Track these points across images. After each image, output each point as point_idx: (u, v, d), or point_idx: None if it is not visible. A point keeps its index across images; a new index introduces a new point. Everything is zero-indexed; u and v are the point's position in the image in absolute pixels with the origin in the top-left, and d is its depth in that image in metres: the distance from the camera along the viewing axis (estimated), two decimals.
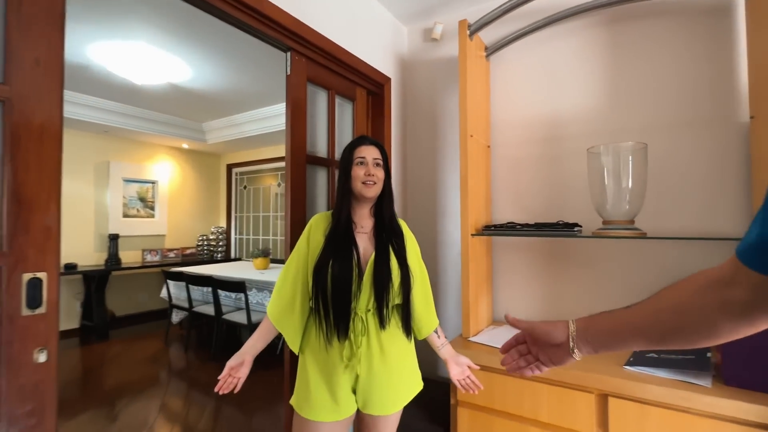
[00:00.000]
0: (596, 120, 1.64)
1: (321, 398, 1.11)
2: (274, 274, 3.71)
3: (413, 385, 1.22)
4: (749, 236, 0.46)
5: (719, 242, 1.37)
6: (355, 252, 1.13)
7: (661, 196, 1.50)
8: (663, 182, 1.50)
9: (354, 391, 1.14)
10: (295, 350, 1.18)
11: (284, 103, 3.37)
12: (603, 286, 1.61)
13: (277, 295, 1.19)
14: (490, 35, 1.82)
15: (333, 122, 1.68)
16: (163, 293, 3.99)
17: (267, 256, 4.20)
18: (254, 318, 3.21)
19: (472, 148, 1.60)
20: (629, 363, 1.24)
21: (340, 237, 1.15)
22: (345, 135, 1.80)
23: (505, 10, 1.58)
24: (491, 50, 1.81)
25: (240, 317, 3.30)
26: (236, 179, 5.68)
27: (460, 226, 1.59)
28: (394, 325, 1.18)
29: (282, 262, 4.73)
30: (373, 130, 1.93)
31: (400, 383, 1.17)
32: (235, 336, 4.13)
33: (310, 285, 1.15)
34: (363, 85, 1.85)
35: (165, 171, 5.09)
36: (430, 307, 1.29)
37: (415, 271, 1.23)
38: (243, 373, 1.12)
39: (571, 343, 0.62)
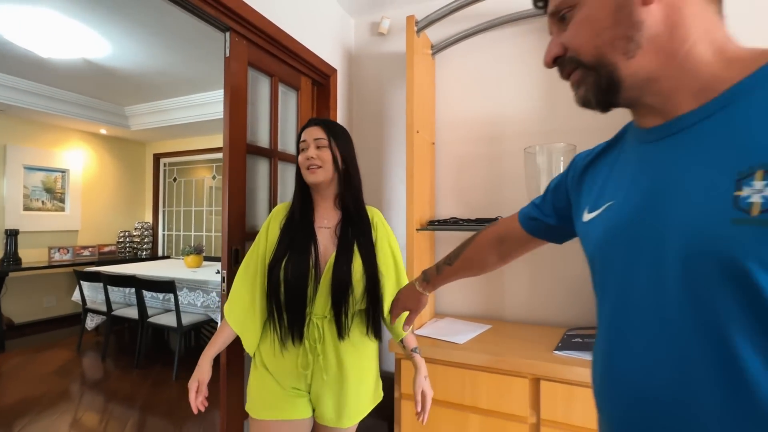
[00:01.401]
0: (533, 121, 1.74)
1: (278, 398, 1.04)
2: (207, 272, 3.47)
3: (373, 398, 1.14)
4: (526, 207, 0.80)
5: None
6: (313, 249, 1.03)
7: None
8: None
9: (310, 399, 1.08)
10: (251, 352, 1.09)
11: (221, 90, 3.16)
12: (539, 278, 1.72)
13: (236, 295, 1.09)
14: (436, 34, 1.85)
15: (276, 111, 1.60)
16: (76, 296, 3.56)
17: (200, 253, 3.92)
18: (185, 320, 2.98)
19: (418, 144, 1.62)
20: (558, 348, 1.34)
21: (297, 231, 1.05)
22: (289, 125, 1.73)
23: (451, 10, 1.61)
24: (437, 48, 1.85)
25: (169, 319, 3.04)
26: (165, 170, 5.23)
27: (406, 221, 1.60)
28: (358, 333, 1.09)
29: (217, 259, 4.45)
30: None
31: (358, 397, 1.08)
32: (162, 340, 3.80)
33: (264, 283, 1.07)
34: (308, 75, 1.79)
35: (78, 159, 4.53)
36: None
37: (388, 269, 1.13)
38: (206, 381, 1.05)
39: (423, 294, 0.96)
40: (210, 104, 3.92)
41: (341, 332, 1.04)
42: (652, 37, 0.46)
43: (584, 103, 0.53)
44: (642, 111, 0.51)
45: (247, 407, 1.08)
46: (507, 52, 1.80)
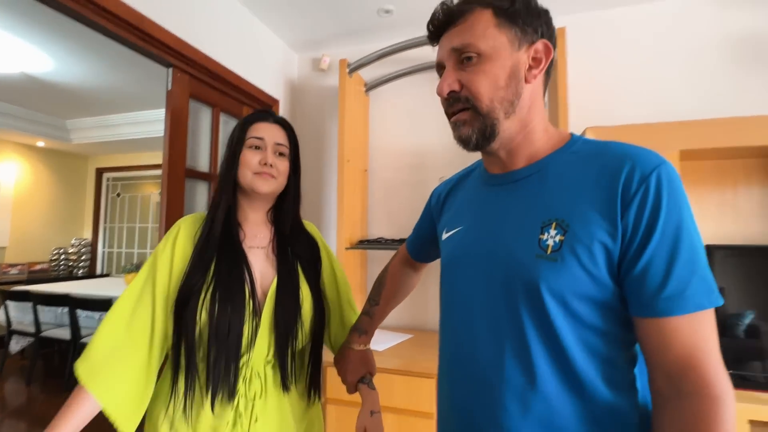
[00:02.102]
0: (449, 153, 2.00)
1: None
2: None
3: None
4: (410, 237, 0.93)
5: None
6: (247, 276, 0.78)
7: None
8: None
9: None
10: (125, 427, 0.72)
11: (144, 111, 3.20)
12: None
13: (101, 345, 0.73)
14: (369, 73, 2.08)
15: (216, 138, 1.74)
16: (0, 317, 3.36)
17: None
18: None
19: (348, 172, 1.81)
20: None
21: (220, 250, 0.78)
22: None
23: (378, 56, 1.85)
24: (370, 86, 2.07)
25: None
26: (108, 185, 5.07)
27: (336, 240, 1.77)
28: (302, 382, 0.87)
29: None
30: None
31: None
32: None
33: (168, 327, 0.76)
34: (250, 105, 1.94)
35: (10, 171, 4.32)
36: (338, 318, 0.98)
37: (332, 295, 0.95)
38: None
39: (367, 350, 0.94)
40: (159, 121, 3.93)
41: (286, 380, 0.79)
42: (521, 107, 0.60)
43: (464, 141, 0.61)
44: (493, 159, 0.66)
45: None
46: (429, 93, 2.06)
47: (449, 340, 0.67)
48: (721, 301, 0.49)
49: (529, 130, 0.61)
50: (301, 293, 0.83)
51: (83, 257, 4.81)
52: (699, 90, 1.69)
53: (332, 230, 2.15)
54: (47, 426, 0.68)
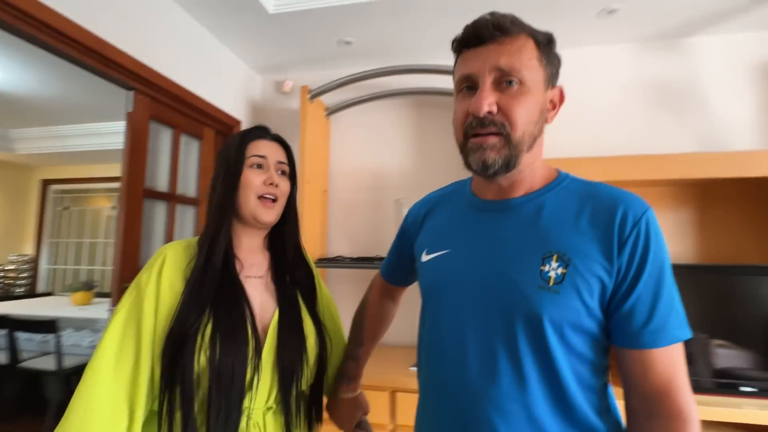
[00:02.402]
0: (406, 176, 2.12)
1: None
2: (98, 310, 3.27)
3: None
4: (384, 262, 0.92)
5: None
6: (248, 312, 0.69)
7: None
8: None
9: None
10: None
11: (101, 123, 3.13)
12: (409, 309, 2.04)
13: (83, 410, 0.60)
14: (330, 98, 2.18)
15: (176, 159, 1.76)
16: None
17: (90, 289, 3.66)
18: (68, 362, 2.77)
19: (308, 193, 1.88)
20: (414, 365, 1.64)
21: (218, 284, 0.69)
22: (190, 170, 1.89)
23: (338, 85, 1.96)
24: (331, 111, 2.17)
25: (47, 363, 2.80)
26: (54, 198, 4.80)
27: None
28: (303, 418, 0.77)
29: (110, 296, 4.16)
30: None
31: None
32: (36, 386, 3.42)
33: (156, 375, 0.64)
34: (212, 126, 1.98)
35: None
36: (337, 351, 0.92)
37: (330, 325, 0.89)
38: None
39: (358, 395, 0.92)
40: (114, 134, 3.81)
41: (290, 425, 0.72)
42: (537, 144, 0.62)
43: (487, 166, 0.58)
44: (491, 186, 0.65)
45: None
46: (388, 119, 2.19)
47: (436, 365, 0.66)
48: (690, 334, 0.55)
49: (534, 166, 0.64)
50: (304, 326, 0.75)
51: (23, 274, 4.49)
52: (622, 128, 1.92)
53: None
54: None
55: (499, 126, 0.57)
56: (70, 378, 3.29)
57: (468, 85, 0.60)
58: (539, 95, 0.59)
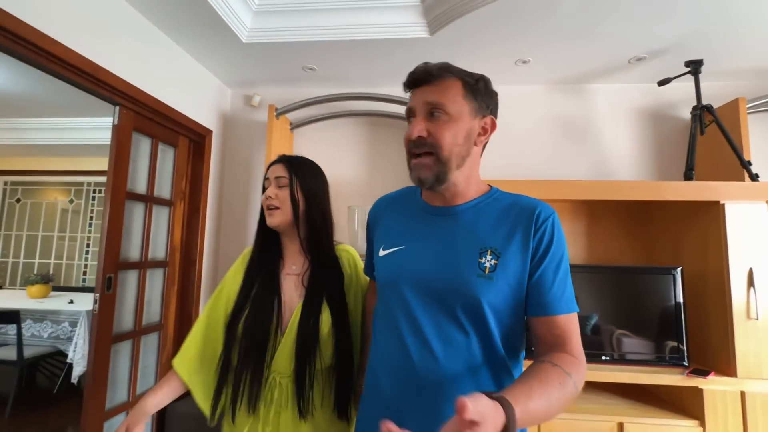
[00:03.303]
0: (359, 185, 2.45)
1: None
2: (57, 302, 3.33)
3: None
4: (365, 263, 0.99)
5: None
6: (276, 300, 0.92)
7: None
8: None
9: None
10: (206, 413, 0.92)
11: (92, 118, 3.25)
12: None
13: (188, 342, 0.96)
14: (295, 114, 2.46)
15: (154, 165, 1.98)
16: None
17: (47, 282, 3.68)
18: (27, 353, 2.85)
19: None
20: None
21: (258, 276, 0.95)
22: (165, 174, 2.11)
23: (301, 105, 2.26)
24: (295, 125, 2.46)
25: (6, 353, 2.86)
26: (5, 189, 4.68)
27: None
28: (323, 413, 0.92)
29: (68, 289, 4.16)
30: (193, 172, 2.28)
31: None
32: None
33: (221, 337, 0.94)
34: (186, 135, 2.21)
35: None
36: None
37: (357, 320, 0.99)
38: (141, 430, 0.86)
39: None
40: (75, 129, 3.84)
41: (303, 404, 0.87)
42: (469, 161, 0.76)
43: (422, 181, 0.74)
44: (437, 196, 0.79)
45: None
46: (345, 135, 2.51)
47: (393, 344, 0.77)
48: (578, 309, 0.73)
49: (470, 181, 0.78)
50: (321, 319, 0.90)
51: None
52: (536, 155, 2.36)
53: None
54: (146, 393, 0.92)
55: (429, 147, 0.72)
56: (32, 366, 3.33)
57: (411, 116, 0.77)
58: (465, 123, 0.73)
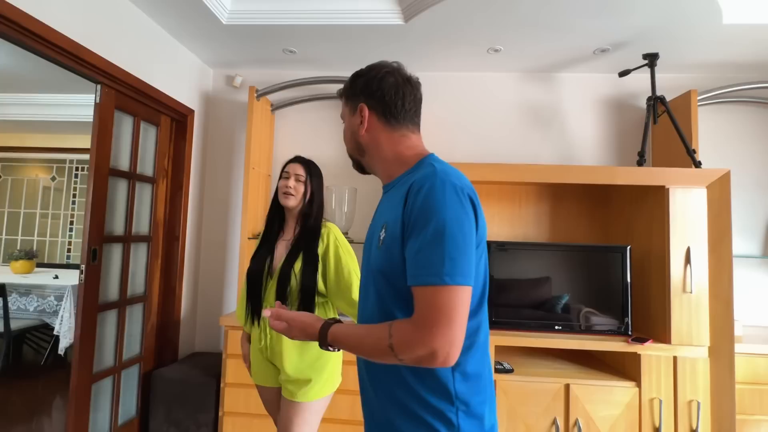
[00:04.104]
0: (338, 166, 2.54)
1: (257, 366, 1.44)
2: (42, 277, 3.39)
3: (323, 380, 1.36)
4: None
5: None
6: (270, 256, 1.40)
7: (364, 218, 2.49)
8: (364, 209, 2.50)
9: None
10: (247, 330, 1.51)
11: (72, 95, 3.25)
12: None
13: (239, 299, 1.53)
14: (276, 96, 2.53)
15: (137, 143, 2.05)
16: None
17: (31, 258, 3.73)
18: (14, 325, 2.93)
19: (253, 177, 2.26)
20: None
21: (264, 239, 1.46)
22: (148, 152, 2.17)
23: (282, 87, 2.33)
24: (275, 107, 2.53)
25: None
26: None
27: (240, 231, 2.21)
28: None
29: (52, 266, 4.20)
30: (175, 151, 2.35)
31: (298, 370, 1.33)
32: None
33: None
34: (168, 114, 2.27)
35: None
36: (340, 295, 1.38)
37: (330, 269, 1.38)
38: (247, 355, 1.52)
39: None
40: (54, 105, 3.82)
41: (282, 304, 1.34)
42: (368, 148, 0.86)
43: (355, 169, 0.96)
44: (380, 178, 0.91)
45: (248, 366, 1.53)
46: (325, 117, 2.59)
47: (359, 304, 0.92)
48: (451, 282, 0.65)
49: (384, 160, 0.86)
50: (295, 265, 1.35)
51: None
52: (506, 139, 2.48)
53: (237, 223, 2.56)
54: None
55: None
56: (18, 339, 3.40)
57: None
58: (347, 122, 0.90)
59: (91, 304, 1.78)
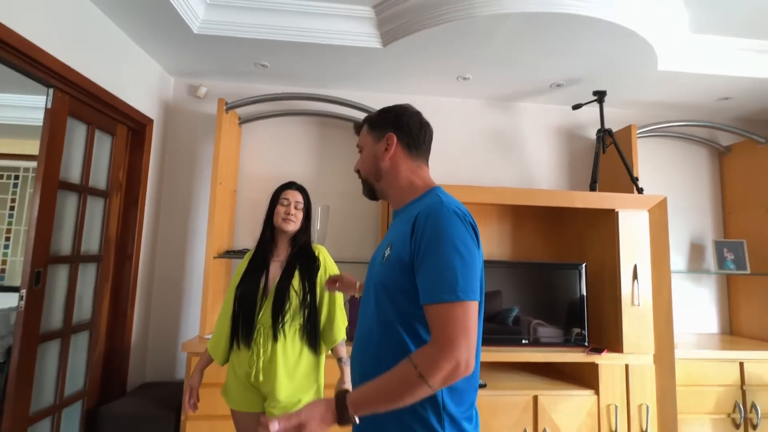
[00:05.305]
0: (307, 183, 2.47)
1: (235, 391, 1.40)
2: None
3: (311, 398, 1.38)
4: None
5: (364, 264, 2.42)
6: (264, 275, 1.41)
7: (338, 236, 2.47)
8: (338, 228, 2.48)
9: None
10: (220, 360, 1.45)
11: (10, 95, 2.90)
12: None
13: (216, 323, 1.48)
14: (244, 109, 2.44)
15: (90, 154, 1.86)
16: None
17: None
18: None
19: (220, 193, 2.15)
20: None
21: (256, 262, 1.44)
22: (101, 164, 1.99)
23: (254, 101, 2.26)
24: (243, 120, 2.44)
25: None
26: None
27: (205, 250, 2.08)
28: (293, 341, 1.37)
29: None
30: (131, 162, 2.17)
31: (297, 395, 1.35)
32: None
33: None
34: (125, 123, 2.10)
35: None
36: (332, 325, 1.47)
37: (325, 294, 1.45)
38: (196, 388, 1.44)
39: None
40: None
41: (275, 334, 1.34)
42: (387, 174, 0.94)
43: (365, 195, 1.00)
44: (391, 203, 0.99)
45: (221, 391, 1.46)
46: (296, 132, 2.55)
47: (359, 319, 0.97)
48: (460, 299, 0.72)
49: (402, 189, 0.94)
50: (292, 287, 1.39)
51: None
52: (471, 162, 2.61)
53: (201, 241, 2.41)
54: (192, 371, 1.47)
55: (359, 173, 1.01)
56: None
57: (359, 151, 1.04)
58: (369, 149, 0.97)
59: (31, 334, 1.57)
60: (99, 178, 1.98)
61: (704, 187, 2.76)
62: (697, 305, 2.66)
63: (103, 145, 2.00)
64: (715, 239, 2.65)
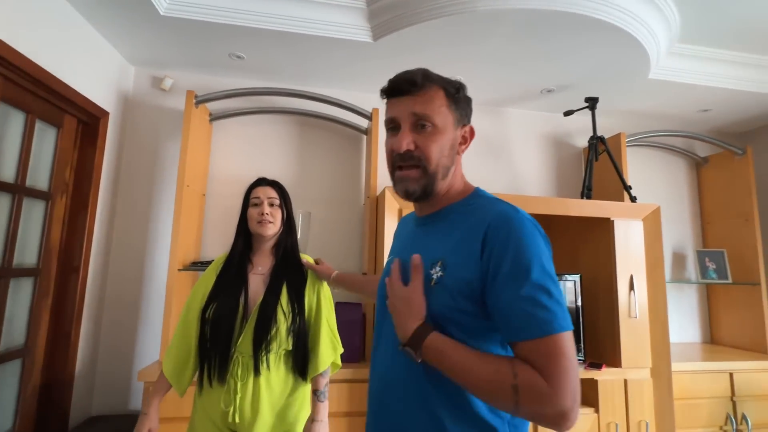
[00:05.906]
0: (289, 188, 2.28)
1: None
2: None
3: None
4: None
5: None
6: (243, 292, 1.14)
7: (320, 246, 2.27)
8: (321, 237, 2.28)
9: None
10: (180, 395, 1.18)
11: None
12: None
13: (172, 346, 1.18)
14: (215, 105, 2.21)
15: (28, 147, 1.57)
16: None
17: None
18: None
19: (187, 196, 1.90)
20: None
21: (230, 276, 1.17)
22: (43, 160, 1.69)
23: (228, 95, 2.04)
24: (215, 117, 2.21)
25: None
26: None
27: (169, 261, 1.82)
28: (279, 373, 1.13)
29: None
30: (81, 160, 1.88)
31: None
32: None
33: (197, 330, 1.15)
34: (74, 114, 1.81)
35: None
36: (316, 351, 1.20)
37: (312, 314, 1.21)
38: (156, 429, 1.13)
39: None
40: None
41: (257, 367, 1.09)
42: (451, 173, 0.76)
43: (409, 194, 0.73)
44: (422, 206, 0.80)
45: None
46: (272, 132, 2.34)
47: (375, 346, 0.82)
48: (565, 328, 0.60)
49: (452, 188, 0.78)
50: (278, 309, 1.13)
51: None
52: (462, 166, 2.50)
53: (163, 251, 2.13)
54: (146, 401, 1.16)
55: (416, 160, 0.71)
56: None
57: (392, 126, 0.76)
58: (449, 133, 0.73)
59: None
60: (40, 176, 1.68)
61: (684, 196, 2.80)
62: (679, 315, 2.66)
63: (47, 138, 1.71)
64: (697, 249, 2.67)
